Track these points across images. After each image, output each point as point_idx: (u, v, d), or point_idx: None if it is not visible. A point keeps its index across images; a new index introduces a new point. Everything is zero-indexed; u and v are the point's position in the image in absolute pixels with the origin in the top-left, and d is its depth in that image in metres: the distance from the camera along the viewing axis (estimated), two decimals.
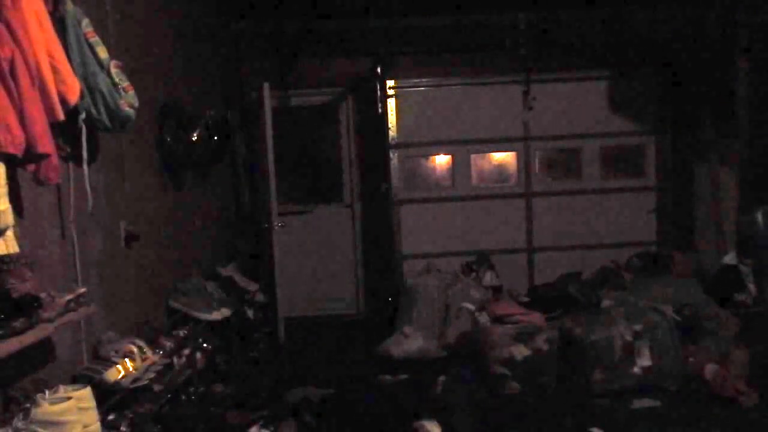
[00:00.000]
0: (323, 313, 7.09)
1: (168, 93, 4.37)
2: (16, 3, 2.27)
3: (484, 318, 5.29)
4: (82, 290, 2.68)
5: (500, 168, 7.17)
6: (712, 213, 6.36)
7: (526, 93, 6.79)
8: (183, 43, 4.88)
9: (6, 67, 2.18)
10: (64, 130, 2.77)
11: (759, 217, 5.33)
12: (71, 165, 2.96)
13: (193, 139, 4.40)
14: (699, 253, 6.37)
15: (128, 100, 2.96)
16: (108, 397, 2.90)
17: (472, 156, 7.04)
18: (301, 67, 6.81)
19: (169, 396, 3.44)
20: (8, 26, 2.24)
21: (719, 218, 6.24)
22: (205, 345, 4.04)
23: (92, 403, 2.46)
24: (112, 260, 3.45)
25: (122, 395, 3.00)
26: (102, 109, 2.87)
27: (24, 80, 2.24)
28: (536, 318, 5.15)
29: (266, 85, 5.78)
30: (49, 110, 2.39)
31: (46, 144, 2.32)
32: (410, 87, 6.94)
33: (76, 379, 2.81)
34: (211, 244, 5.36)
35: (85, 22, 2.84)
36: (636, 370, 4.53)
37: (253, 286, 5.31)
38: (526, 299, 5.95)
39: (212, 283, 4.73)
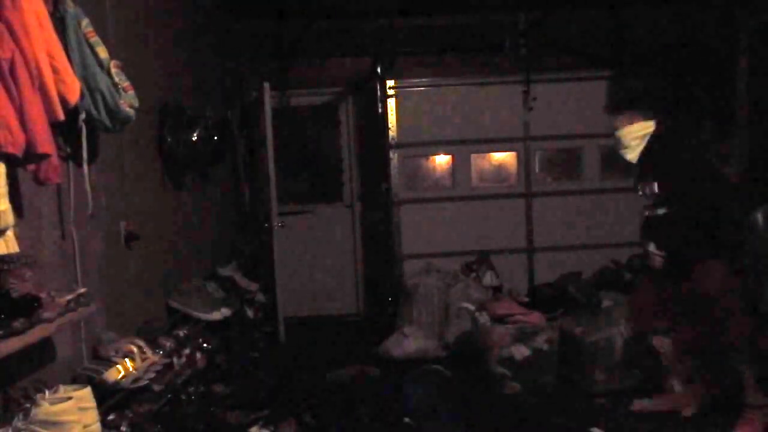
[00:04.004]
0: (323, 313, 7.09)
1: (168, 93, 4.37)
2: (16, 3, 2.27)
3: (484, 318, 5.29)
4: (82, 290, 2.68)
5: (500, 168, 7.16)
6: None
7: (526, 93, 6.78)
8: (183, 43, 4.88)
9: (6, 67, 2.18)
10: (64, 130, 2.77)
11: (759, 217, 5.31)
12: (71, 165, 2.96)
13: (193, 139, 4.40)
14: None
15: (128, 100, 2.96)
16: (108, 397, 2.90)
17: (472, 156, 7.03)
18: (301, 67, 6.80)
19: (169, 396, 3.44)
20: (8, 26, 2.23)
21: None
22: (205, 345, 4.04)
23: (92, 403, 2.46)
24: (112, 260, 3.45)
25: (122, 395, 3.00)
26: (102, 109, 2.86)
27: (24, 80, 2.24)
28: (536, 318, 5.14)
29: (266, 85, 5.78)
30: (49, 110, 2.39)
31: (46, 144, 2.32)
32: (410, 87, 6.94)
33: (76, 379, 2.81)
34: (211, 244, 5.36)
35: (85, 22, 2.84)
36: (636, 370, 4.52)
37: (253, 286, 5.31)
38: (526, 299, 5.95)
39: (212, 283, 4.73)
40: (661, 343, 4.11)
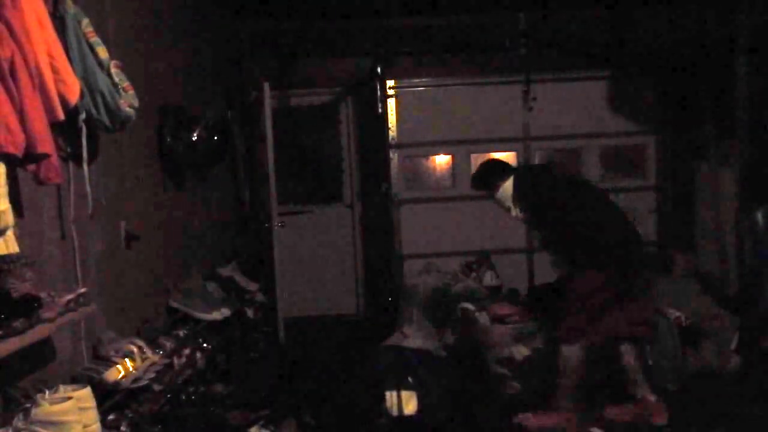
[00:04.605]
0: (323, 313, 7.08)
1: (168, 93, 4.37)
2: (16, 3, 2.27)
3: (484, 318, 5.28)
4: (82, 290, 2.68)
5: None
6: (712, 213, 6.36)
7: (526, 93, 6.79)
8: (183, 42, 4.88)
9: (6, 67, 2.18)
10: (64, 130, 2.77)
11: (759, 217, 5.32)
12: (71, 165, 2.96)
13: (193, 139, 4.40)
14: (699, 254, 6.36)
15: (128, 100, 2.96)
16: (108, 397, 2.89)
17: (472, 156, 7.02)
18: (301, 67, 6.80)
19: (169, 396, 3.44)
20: (8, 26, 2.23)
21: (719, 218, 6.23)
22: (205, 345, 4.04)
23: (92, 403, 2.46)
24: (112, 260, 3.45)
25: (122, 395, 3.00)
26: (102, 109, 2.86)
27: (24, 80, 2.24)
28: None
29: (266, 85, 5.78)
30: (49, 110, 2.39)
31: (46, 144, 2.32)
32: (410, 87, 6.94)
33: (76, 379, 2.81)
34: (211, 244, 5.36)
35: (85, 22, 2.84)
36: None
37: (253, 286, 5.30)
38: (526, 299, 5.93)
39: (212, 283, 4.73)
40: (627, 352, 4.18)
